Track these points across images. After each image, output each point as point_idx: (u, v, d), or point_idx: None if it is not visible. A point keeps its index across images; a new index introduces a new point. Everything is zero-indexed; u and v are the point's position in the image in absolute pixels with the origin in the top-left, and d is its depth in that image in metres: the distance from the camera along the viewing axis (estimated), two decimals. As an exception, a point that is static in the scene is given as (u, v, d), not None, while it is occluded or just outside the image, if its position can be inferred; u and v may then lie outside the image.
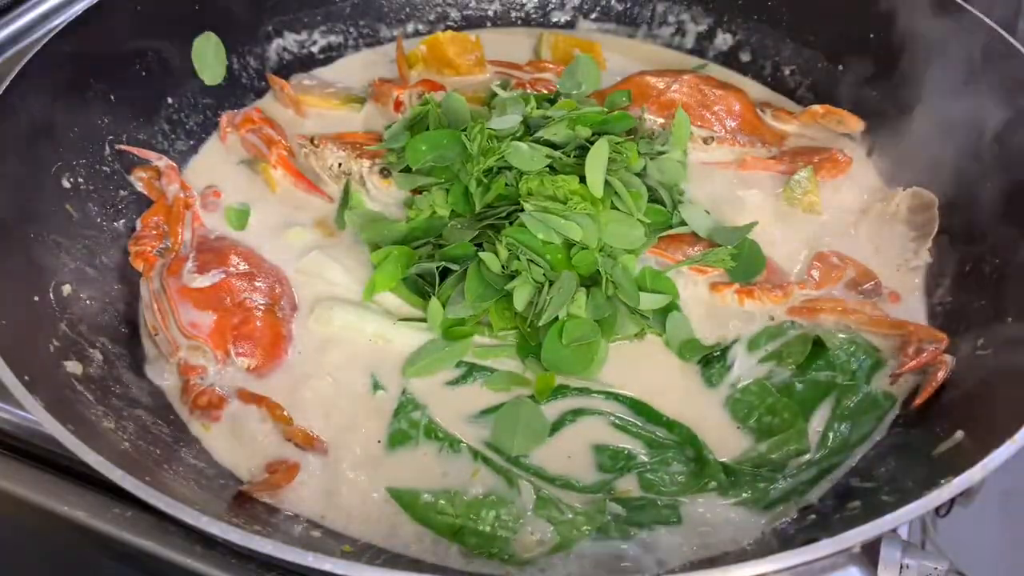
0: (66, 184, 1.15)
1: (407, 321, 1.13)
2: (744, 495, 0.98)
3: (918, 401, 1.02)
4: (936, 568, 0.90)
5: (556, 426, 1.04)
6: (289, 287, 1.17)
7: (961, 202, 1.18)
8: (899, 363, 1.07)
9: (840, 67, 1.42)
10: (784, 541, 0.93)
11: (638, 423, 1.05)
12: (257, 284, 1.13)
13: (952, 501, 0.96)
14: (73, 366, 0.98)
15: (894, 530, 0.92)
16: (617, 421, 1.04)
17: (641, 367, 1.10)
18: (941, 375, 1.02)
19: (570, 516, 0.95)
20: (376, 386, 1.08)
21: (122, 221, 1.22)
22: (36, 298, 1.02)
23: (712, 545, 0.94)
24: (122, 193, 1.24)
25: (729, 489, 0.99)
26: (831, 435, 1.03)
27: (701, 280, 1.18)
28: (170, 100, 1.34)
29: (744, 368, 1.09)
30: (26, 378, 0.85)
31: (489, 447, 1.02)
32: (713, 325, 1.14)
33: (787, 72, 1.49)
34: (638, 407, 1.06)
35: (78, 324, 1.04)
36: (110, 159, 1.23)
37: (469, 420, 1.05)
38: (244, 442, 1.02)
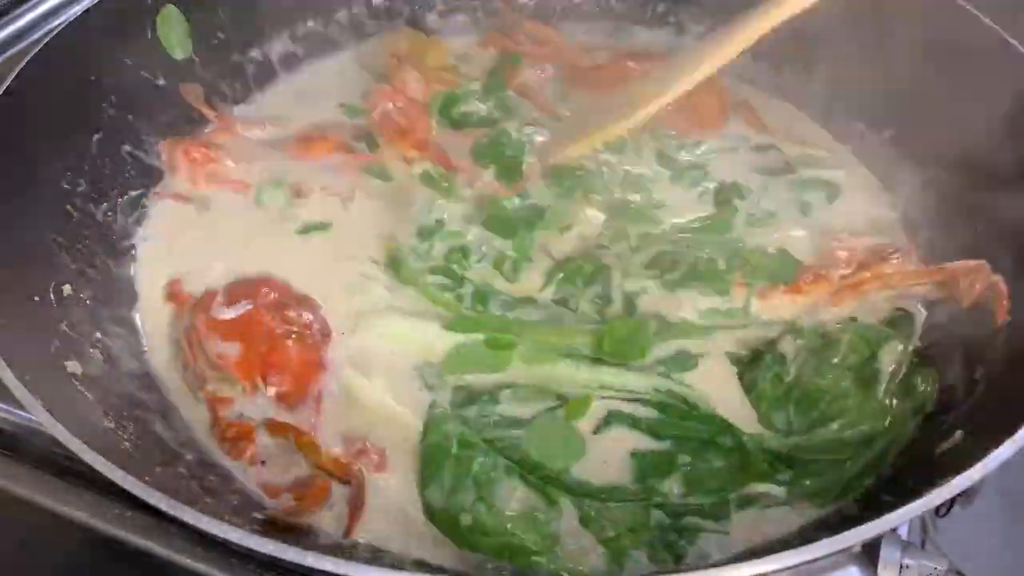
0: (66, 185, 1.15)
1: (456, 324, 1.11)
2: (804, 484, 0.98)
3: (1002, 317, 1.04)
4: (936, 568, 0.90)
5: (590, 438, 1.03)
6: (320, 313, 1.13)
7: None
8: (961, 299, 1.09)
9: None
10: (784, 541, 0.93)
11: (670, 422, 1.03)
12: (287, 313, 1.11)
13: (952, 501, 0.96)
14: (73, 366, 0.98)
15: (894, 530, 0.92)
16: (648, 424, 1.03)
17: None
18: (1004, 288, 1.05)
19: (612, 533, 0.94)
20: (425, 387, 1.06)
21: (122, 221, 1.22)
22: (36, 298, 1.02)
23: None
24: (122, 193, 1.24)
25: (789, 481, 0.98)
26: (893, 403, 1.04)
27: (743, 295, 1.17)
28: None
29: (795, 360, 1.08)
30: (26, 378, 0.85)
31: (522, 463, 0.99)
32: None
33: (788, 72, 1.49)
34: (665, 408, 1.04)
35: (78, 324, 1.04)
36: (110, 159, 1.23)
37: (503, 435, 1.02)
38: (272, 467, 1.00)
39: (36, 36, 1.56)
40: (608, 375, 1.07)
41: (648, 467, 1.00)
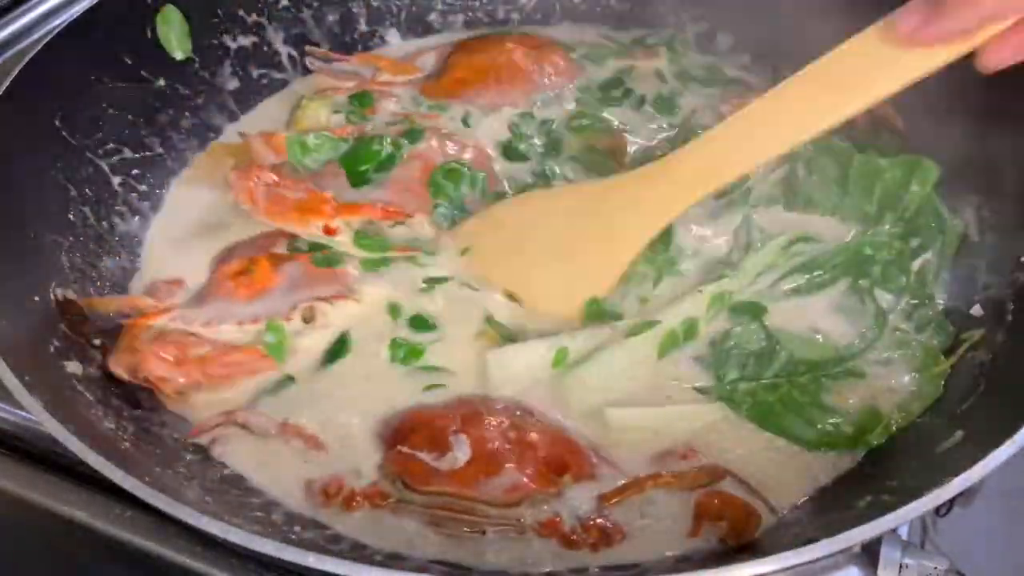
0: (66, 185, 1.15)
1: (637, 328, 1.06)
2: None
3: (899, 126, 1.23)
4: (936, 568, 0.90)
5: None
6: (495, 403, 1.03)
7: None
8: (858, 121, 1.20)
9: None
10: (784, 542, 0.93)
11: (823, 264, 1.11)
12: (490, 421, 0.98)
13: (952, 501, 0.96)
14: (73, 366, 0.98)
15: (894, 530, 0.92)
16: (821, 278, 1.10)
17: None
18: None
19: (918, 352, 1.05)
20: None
21: (122, 221, 1.22)
22: (36, 298, 1.02)
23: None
24: (123, 193, 1.24)
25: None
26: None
27: None
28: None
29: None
30: (26, 378, 0.85)
31: (811, 366, 1.04)
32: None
33: (787, 73, 1.48)
34: (805, 256, 1.12)
35: (79, 324, 1.04)
36: (110, 160, 1.23)
37: (769, 363, 1.05)
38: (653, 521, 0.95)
39: (36, 36, 1.56)
40: (752, 263, 1.11)
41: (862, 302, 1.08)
